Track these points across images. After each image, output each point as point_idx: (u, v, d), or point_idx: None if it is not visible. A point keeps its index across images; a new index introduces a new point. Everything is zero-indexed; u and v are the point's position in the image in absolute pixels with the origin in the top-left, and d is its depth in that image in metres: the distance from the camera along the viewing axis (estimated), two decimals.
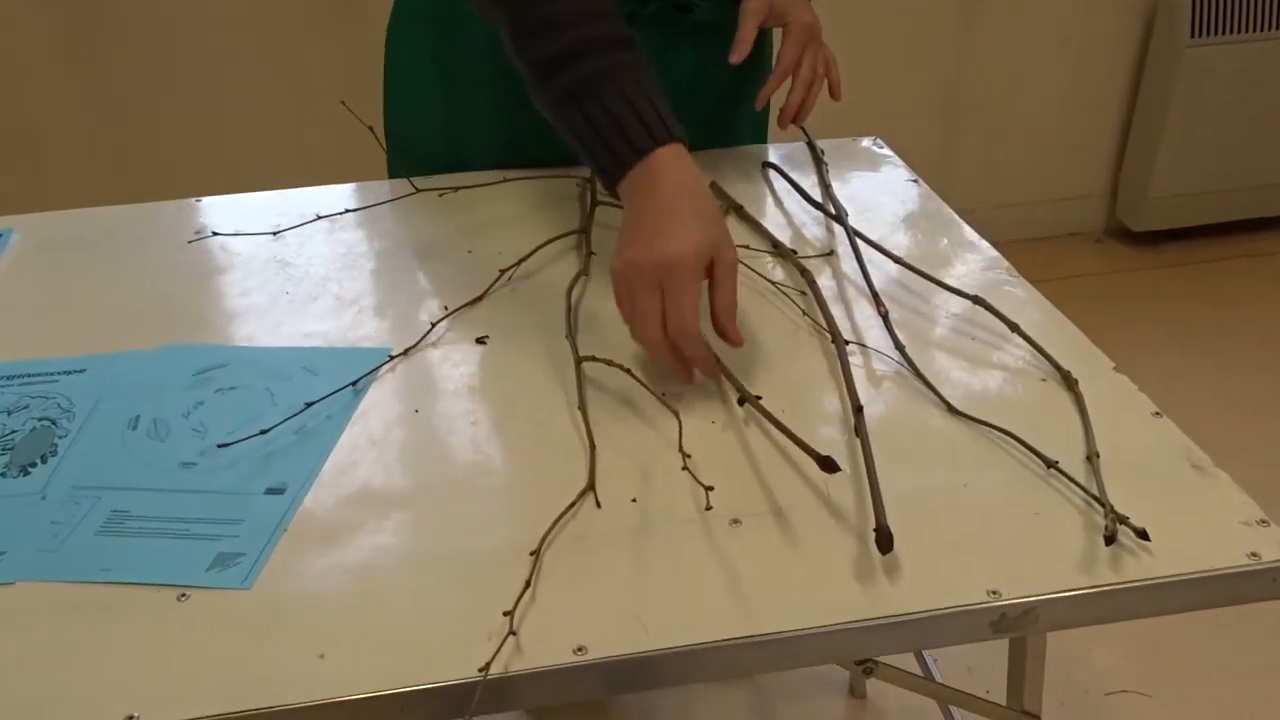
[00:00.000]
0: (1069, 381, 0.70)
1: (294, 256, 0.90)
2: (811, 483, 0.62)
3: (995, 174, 2.28)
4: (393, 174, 1.01)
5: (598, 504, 0.59)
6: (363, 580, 0.56)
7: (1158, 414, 0.67)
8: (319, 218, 0.93)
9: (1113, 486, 0.60)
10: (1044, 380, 0.71)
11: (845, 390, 0.67)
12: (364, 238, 0.93)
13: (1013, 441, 0.64)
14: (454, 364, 0.74)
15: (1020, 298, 0.80)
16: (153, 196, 1.00)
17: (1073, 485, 0.61)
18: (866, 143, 1.08)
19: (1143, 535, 0.56)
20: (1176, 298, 2.13)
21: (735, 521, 0.59)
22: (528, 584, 0.54)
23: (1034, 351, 0.73)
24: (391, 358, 0.75)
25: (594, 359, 0.71)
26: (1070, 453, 0.64)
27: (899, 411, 0.67)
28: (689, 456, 0.62)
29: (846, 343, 0.72)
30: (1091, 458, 0.63)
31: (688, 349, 0.61)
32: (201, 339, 0.79)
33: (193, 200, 0.98)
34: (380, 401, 0.71)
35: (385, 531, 0.59)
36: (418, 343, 0.76)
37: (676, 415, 0.63)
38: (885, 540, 0.54)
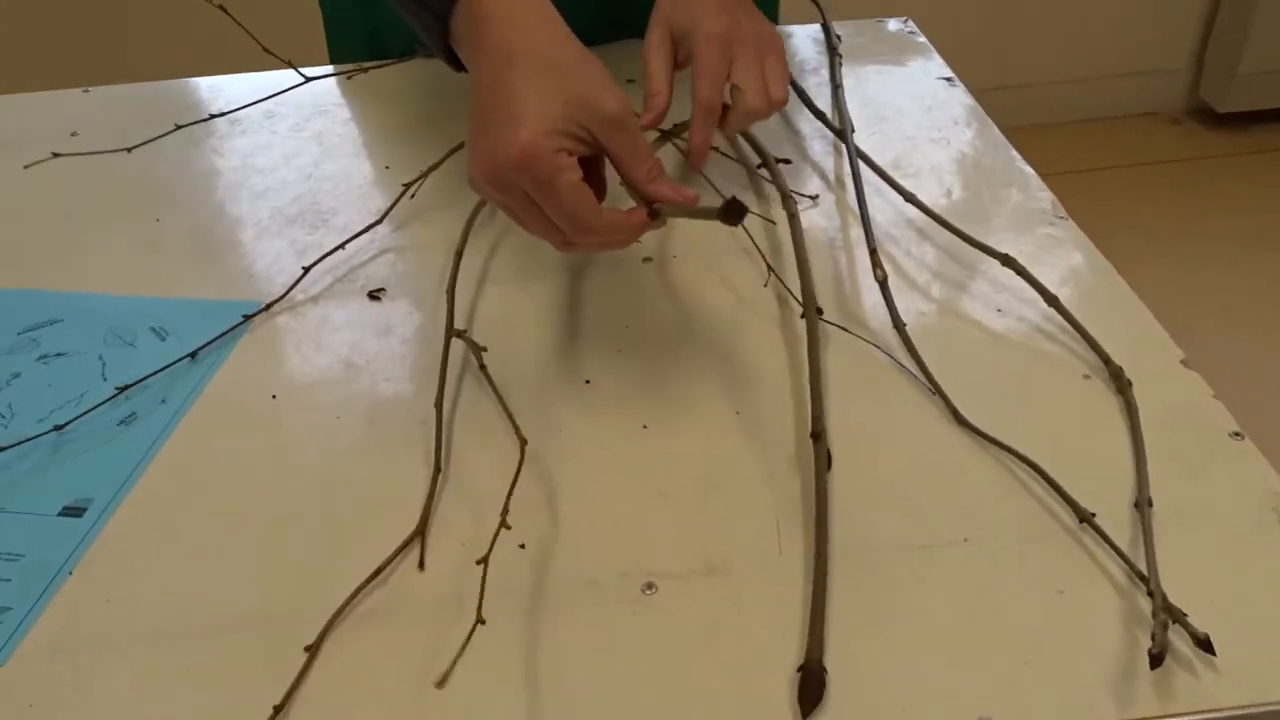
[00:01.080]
0: (1120, 381, 0.53)
1: (165, 172, 0.73)
2: (756, 528, 0.46)
3: (1059, 43, 1.99)
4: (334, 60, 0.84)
5: (420, 563, 0.44)
6: (148, 655, 0.42)
7: (1238, 435, 0.50)
8: (178, 127, 0.76)
9: (1171, 551, 0.44)
10: (1087, 377, 0.53)
11: (810, 391, 0.50)
12: (258, 146, 0.76)
13: (1037, 476, 0.47)
14: (334, 328, 0.59)
15: (1068, 253, 0.62)
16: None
17: (1113, 551, 0.45)
18: (895, 25, 0.87)
19: (1205, 646, 0.40)
20: (1266, 188, 1.87)
21: (649, 587, 0.44)
22: (292, 688, 0.39)
23: (1077, 334, 0.55)
24: (246, 318, 0.59)
25: (462, 335, 0.54)
26: (1114, 493, 0.48)
27: (886, 418, 0.51)
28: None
29: (820, 314, 0.55)
30: (1141, 505, 0.46)
31: (599, 241, 0.46)
32: (38, 281, 0.63)
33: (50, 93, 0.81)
34: (235, 378, 0.56)
35: (186, 583, 0.45)
36: (285, 294, 0.60)
37: (521, 443, 0.46)
38: (809, 684, 0.38)
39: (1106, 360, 0.54)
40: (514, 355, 0.56)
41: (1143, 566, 0.44)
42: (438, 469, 0.47)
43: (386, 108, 0.80)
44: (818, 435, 0.48)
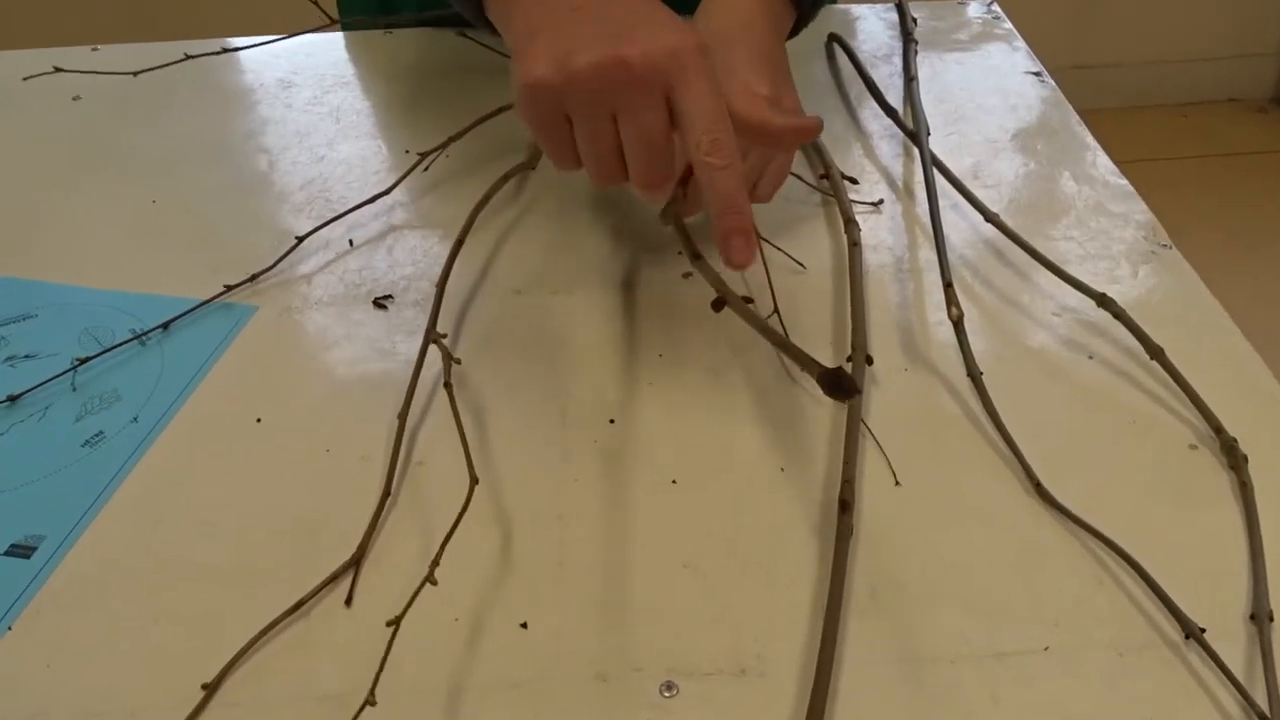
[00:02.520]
0: (1233, 455, 0.45)
1: (167, 145, 0.67)
2: (799, 615, 0.40)
3: (1140, 22, 1.86)
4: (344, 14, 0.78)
5: (348, 599, 0.39)
6: None
7: None
8: (188, 57, 0.69)
9: None
10: (1194, 448, 0.46)
11: (845, 453, 0.44)
12: (269, 121, 0.69)
13: (1131, 571, 0.40)
14: (331, 341, 0.52)
15: (1172, 292, 0.54)
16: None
17: (1223, 673, 0.37)
18: (976, 9, 0.78)
19: None
20: None
21: (668, 688, 0.37)
22: None
23: (1183, 394, 0.47)
24: (228, 288, 0.53)
25: (439, 340, 0.48)
26: (1225, 597, 0.41)
27: (951, 485, 0.44)
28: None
29: (870, 362, 0.49)
30: (1260, 619, 0.39)
31: (661, 170, 0.42)
32: (17, 269, 0.58)
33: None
34: (219, 393, 0.50)
35: (137, 649, 0.39)
36: (273, 265, 0.55)
37: (472, 483, 0.40)
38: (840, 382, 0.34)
39: (1218, 429, 0.46)
40: (514, 375, 0.50)
41: (1260, 696, 0.37)
42: (386, 493, 0.42)
43: (413, 80, 0.73)
44: (845, 504, 0.41)
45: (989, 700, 0.37)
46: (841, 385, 0.35)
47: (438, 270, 0.55)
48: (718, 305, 0.42)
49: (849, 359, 0.48)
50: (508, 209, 0.61)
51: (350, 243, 0.59)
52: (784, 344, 0.38)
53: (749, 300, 0.42)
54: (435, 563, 0.38)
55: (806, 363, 0.36)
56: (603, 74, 0.39)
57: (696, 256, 0.43)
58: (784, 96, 0.49)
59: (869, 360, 0.48)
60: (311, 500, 0.45)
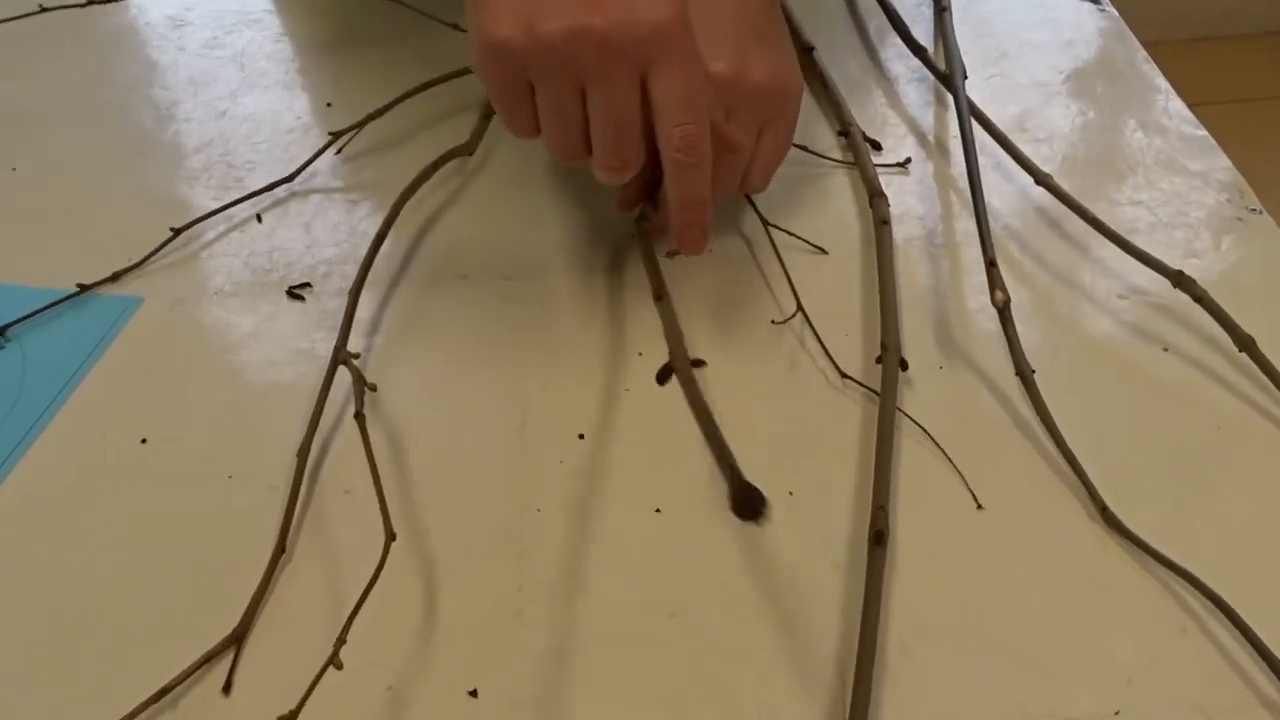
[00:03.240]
0: None
1: (33, 101, 0.65)
2: (813, 677, 0.39)
3: None
4: None
5: (226, 685, 0.38)
6: None
7: None
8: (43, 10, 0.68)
9: None
10: None
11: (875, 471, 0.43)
12: (158, 68, 0.68)
13: (1221, 616, 0.39)
14: (235, 341, 0.52)
15: (1263, 266, 0.53)
16: None
17: None
18: None
19: None
20: None
21: None
22: None
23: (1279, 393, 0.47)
24: (82, 288, 0.51)
25: (350, 361, 0.47)
26: None
27: (999, 510, 0.44)
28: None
29: (905, 367, 0.49)
30: None
31: (627, 153, 0.44)
32: None
33: None
34: (91, 407, 0.48)
35: None
36: (141, 263, 0.53)
37: (388, 538, 0.39)
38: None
39: None
40: (459, 381, 0.49)
41: None
42: (280, 550, 0.41)
43: (337, 16, 0.71)
44: (879, 535, 0.40)
45: None
46: (750, 505, 0.37)
47: (366, 251, 0.54)
48: (662, 377, 0.46)
49: (879, 360, 0.48)
50: (453, 175, 0.60)
51: (258, 218, 0.58)
52: (715, 439, 0.42)
53: (699, 364, 0.47)
54: (341, 640, 0.36)
55: (724, 469, 0.40)
56: (574, 43, 0.40)
57: (659, 297, 0.48)
58: (750, 68, 0.48)
59: (903, 365, 0.48)
60: (205, 544, 0.43)
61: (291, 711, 0.35)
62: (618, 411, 0.48)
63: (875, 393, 0.47)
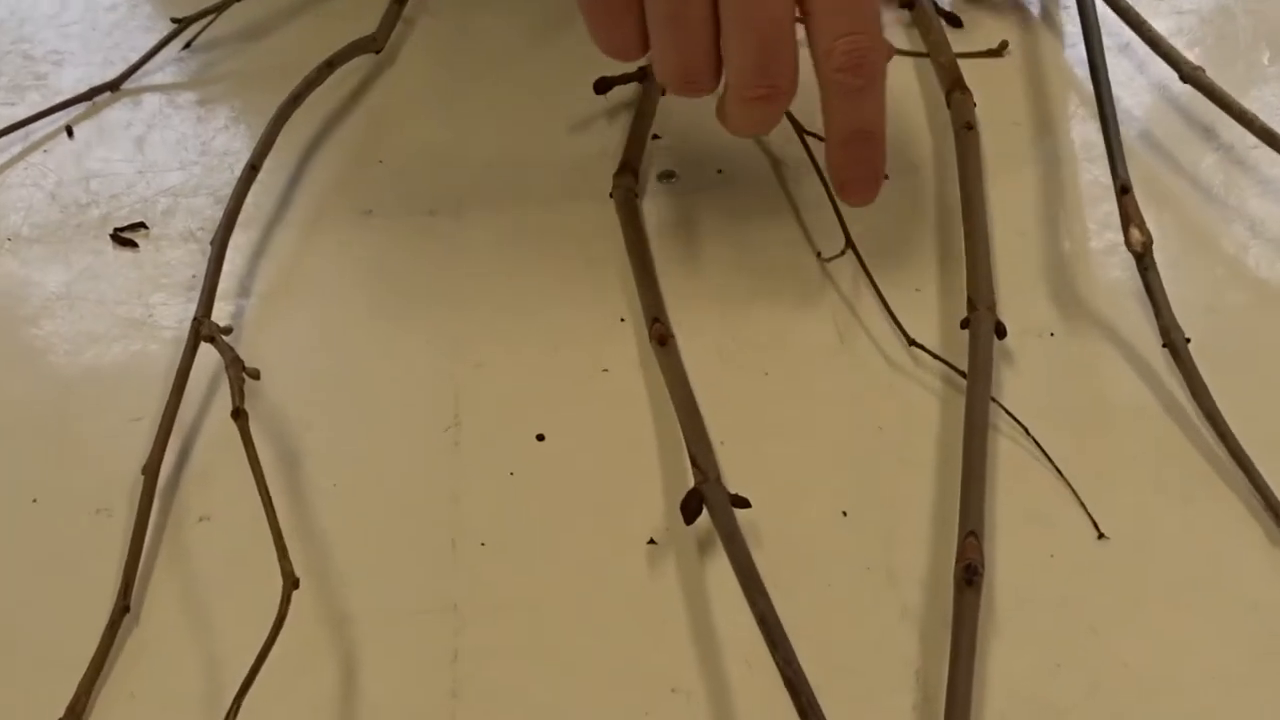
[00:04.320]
0: None
1: None
2: None
3: None
4: None
5: None
6: None
7: None
8: None
9: None
10: None
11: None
12: None
13: None
14: (39, 306, 0.52)
15: None
16: None
17: None
18: None
19: None
20: None
21: None
22: None
23: None
24: None
25: (218, 336, 0.47)
26: None
27: (1142, 531, 0.44)
28: None
29: (1000, 333, 0.48)
30: None
31: (778, 73, 0.46)
32: None
33: None
34: None
35: None
36: None
37: (288, 584, 0.40)
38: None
39: None
40: (366, 360, 0.49)
41: None
42: (124, 607, 0.42)
43: None
44: (972, 571, 0.40)
45: None
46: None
47: (225, 178, 0.54)
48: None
49: (964, 323, 0.47)
50: (352, 73, 0.60)
51: (69, 132, 0.58)
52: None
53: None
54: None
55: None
56: None
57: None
58: None
59: (1000, 330, 0.47)
60: (6, 603, 0.43)
61: None
62: (591, 402, 0.48)
63: (960, 372, 0.47)
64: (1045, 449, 0.46)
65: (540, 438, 0.47)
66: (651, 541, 0.44)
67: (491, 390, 0.48)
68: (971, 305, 0.48)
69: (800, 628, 0.40)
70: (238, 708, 0.37)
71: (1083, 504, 0.45)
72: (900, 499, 0.45)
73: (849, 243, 0.51)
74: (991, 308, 0.48)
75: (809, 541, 0.44)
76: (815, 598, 0.43)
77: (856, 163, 0.47)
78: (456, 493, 0.45)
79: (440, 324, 0.50)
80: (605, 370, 0.49)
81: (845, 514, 0.45)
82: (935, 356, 0.49)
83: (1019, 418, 0.47)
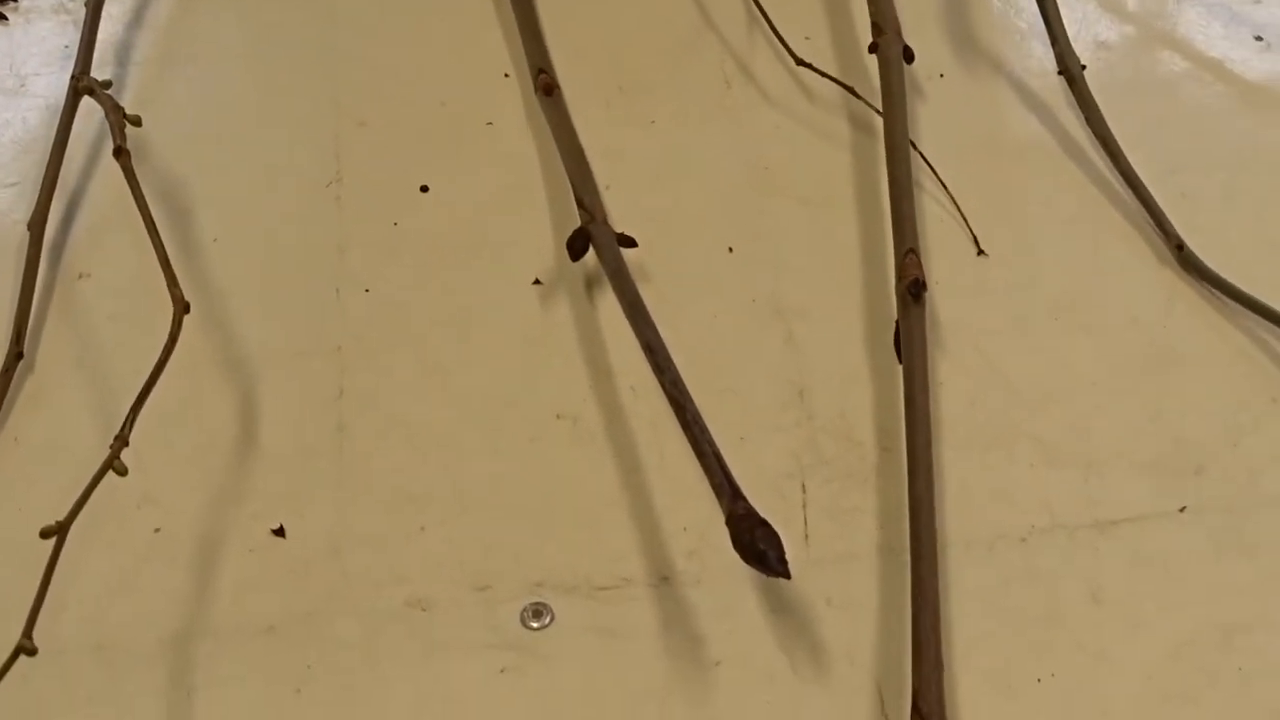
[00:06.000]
0: None
1: None
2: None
3: None
4: None
5: None
6: None
7: None
8: None
9: None
10: None
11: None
12: None
13: None
14: None
15: None
16: None
17: None
18: None
19: None
20: None
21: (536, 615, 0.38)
22: None
23: None
24: None
25: (98, 89, 0.47)
26: None
27: (1042, 250, 0.46)
28: None
29: (908, 57, 0.48)
30: None
31: None
32: None
33: None
34: None
35: None
36: None
37: None
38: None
39: None
40: (243, 136, 0.49)
41: None
42: (18, 354, 0.43)
43: None
44: (918, 287, 0.41)
45: (1085, 596, 0.38)
46: (763, 559, 0.34)
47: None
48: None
49: (871, 47, 0.48)
50: None
51: None
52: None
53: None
54: (122, 440, 0.37)
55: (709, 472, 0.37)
56: None
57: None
58: None
59: (908, 55, 0.48)
60: None
61: (59, 523, 0.35)
62: (476, 154, 0.49)
63: (849, 89, 0.49)
64: (937, 174, 0.47)
65: (424, 189, 0.47)
66: (537, 282, 0.45)
67: (375, 146, 0.49)
68: (878, 30, 0.48)
69: (687, 358, 0.41)
70: (131, 423, 0.37)
71: (966, 223, 0.46)
72: (787, 234, 0.46)
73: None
74: (898, 32, 0.48)
75: (695, 278, 0.45)
76: (702, 329, 0.44)
77: None
78: (341, 244, 0.46)
79: (322, 86, 0.50)
80: (490, 124, 0.49)
81: (731, 250, 0.46)
82: (824, 75, 0.49)
83: (930, 154, 0.48)
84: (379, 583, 0.39)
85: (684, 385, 0.38)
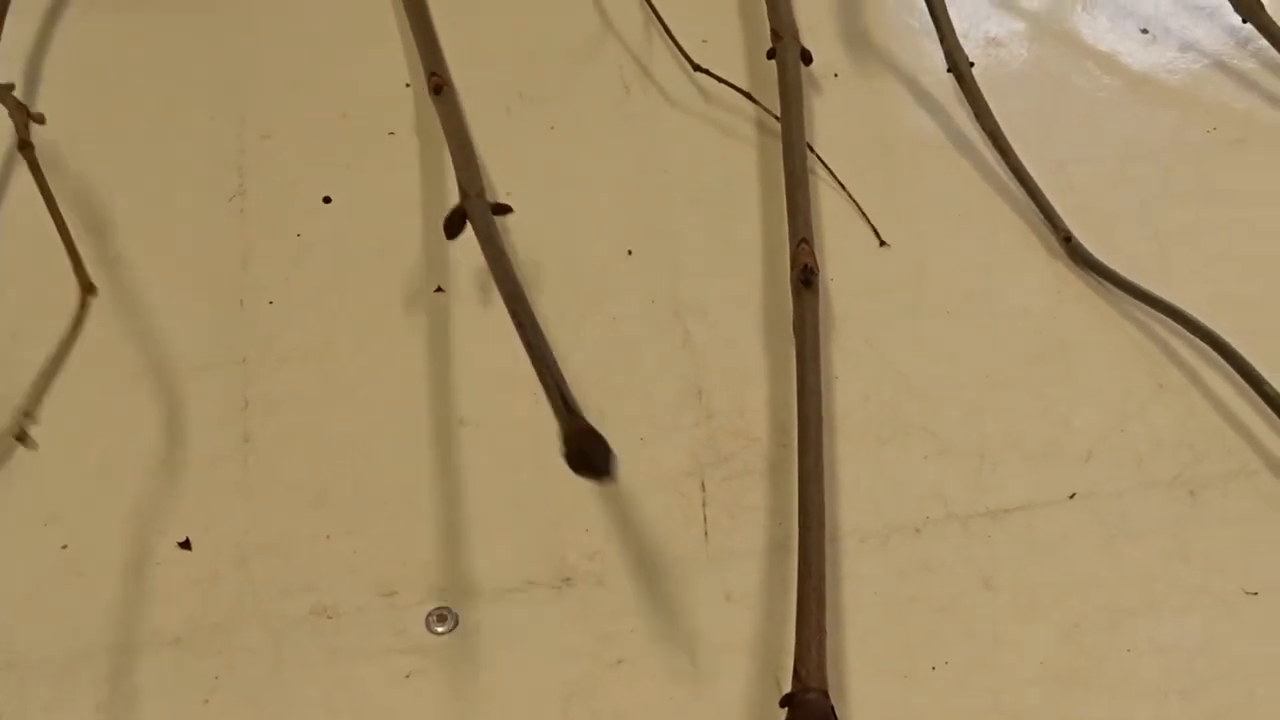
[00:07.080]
0: None
1: None
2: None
3: None
4: None
5: None
6: None
7: None
8: None
9: None
10: None
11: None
12: None
13: (1217, 358, 0.43)
14: None
15: None
16: None
17: None
18: None
19: None
20: None
21: (440, 620, 0.39)
22: None
23: None
24: None
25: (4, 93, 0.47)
26: None
27: (938, 244, 0.47)
28: None
29: (805, 59, 0.50)
30: None
31: None
32: None
33: None
34: None
35: None
36: None
37: None
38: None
39: None
40: (148, 145, 0.50)
41: None
42: None
43: None
44: (809, 274, 0.42)
45: (978, 583, 0.39)
46: (594, 468, 0.35)
47: None
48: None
49: (770, 53, 0.49)
50: None
51: None
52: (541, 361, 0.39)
53: None
54: (28, 415, 0.38)
55: (549, 391, 0.38)
56: None
57: None
58: None
59: (806, 58, 0.49)
60: None
61: None
62: (377, 164, 0.50)
63: (745, 94, 0.50)
64: (832, 172, 0.48)
65: (327, 200, 0.48)
66: (439, 290, 0.46)
67: (278, 158, 0.49)
68: (776, 35, 0.49)
69: (587, 360, 0.42)
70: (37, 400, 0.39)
71: (865, 216, 0.47)
72: (686, 236, 0.47)
73: None
74: (795, 36, 0.49)
75: (594, 280, 0.46)
76: (600, 331, 0.45)
77: None
78: (245, 256, 0.47)
79: (225, 98, 0.51)
80: (392, 134, 0.50)
81: (630, 253, 0.47)
82: (722, 80, 0.50)
83: (827, 156, 0.49)
84: (285, 591, 0.40)
85: (543, 337, 0.38)
